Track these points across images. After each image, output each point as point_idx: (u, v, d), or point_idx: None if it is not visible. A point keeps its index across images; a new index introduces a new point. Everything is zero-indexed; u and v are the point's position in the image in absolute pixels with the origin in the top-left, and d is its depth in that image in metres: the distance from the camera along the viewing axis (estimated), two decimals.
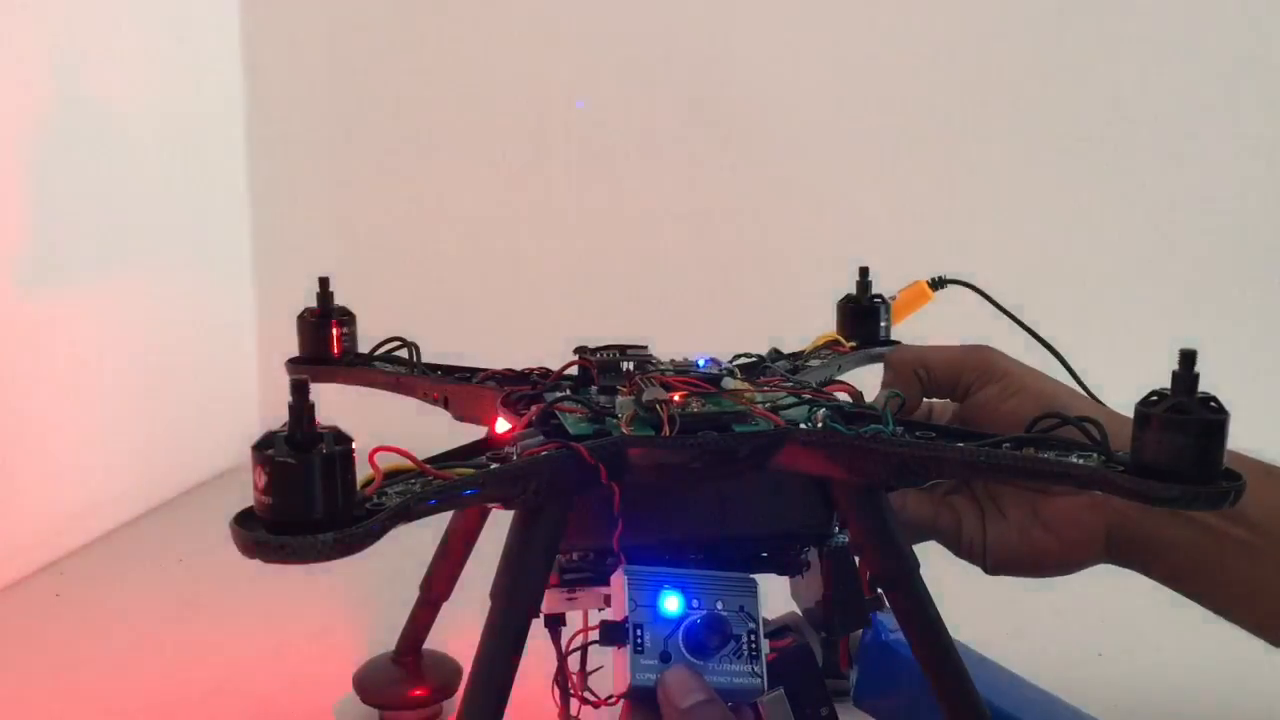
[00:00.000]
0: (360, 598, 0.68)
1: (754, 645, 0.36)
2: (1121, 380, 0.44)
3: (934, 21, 1.01)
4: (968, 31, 1.01)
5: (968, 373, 0.46)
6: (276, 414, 0.31)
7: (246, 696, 0.59)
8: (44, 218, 0.79)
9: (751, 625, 0.36)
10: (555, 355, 0.48)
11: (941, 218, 1.03)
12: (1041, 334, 0.57)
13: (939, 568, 0.45)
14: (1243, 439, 0.38)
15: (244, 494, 0.31)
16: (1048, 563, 0.45)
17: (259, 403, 1.07)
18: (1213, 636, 0.67)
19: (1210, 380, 0.33)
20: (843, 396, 0.44)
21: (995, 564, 0.46)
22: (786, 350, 0.55)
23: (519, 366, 0.50)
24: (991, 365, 0.45)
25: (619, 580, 0.36)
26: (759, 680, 0.36)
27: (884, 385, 0.48)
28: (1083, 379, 0.55)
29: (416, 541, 0.46)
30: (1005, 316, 0.58)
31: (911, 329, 0.61)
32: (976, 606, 0.48)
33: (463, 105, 1.07)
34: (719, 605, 0.36)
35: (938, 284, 0.61)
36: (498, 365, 0.51)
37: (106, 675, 0.62)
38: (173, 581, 0.77)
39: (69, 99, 0.82)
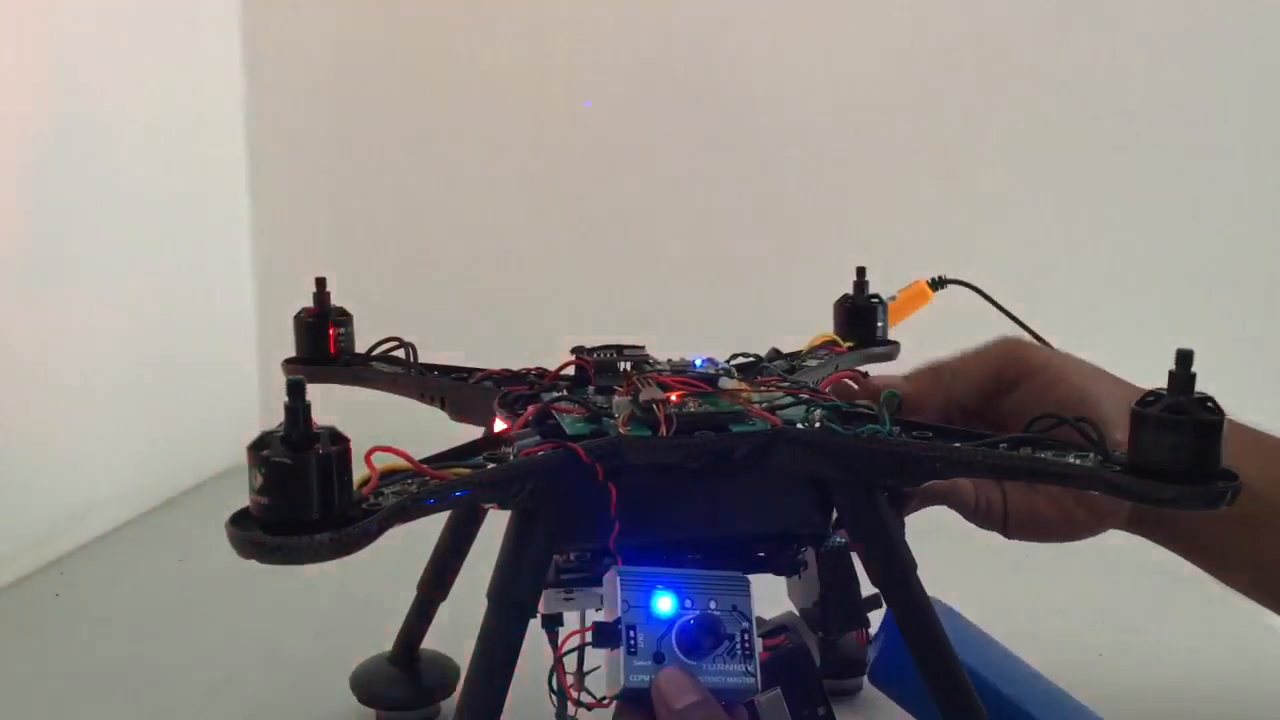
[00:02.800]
0: (357, 598, 0.68)
1: (748, 644, 0.36)
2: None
3: (934, 21, 1.01)
4: (968, 31, 1.01)
5: (1009, 369, 0.46)
6: (276, 414, 0.31)
7: (244, 697, 0.59)
8: (44, 217, 0.79)
9: (745, 624, 0.36)
10: (552, 355, 0.48)
11: (941, 218, 1.03)
12: (1041, 334, 0.57)
13: (938, 568, 0.45)
14: None
15: (244, 494, 0.31)
16: (1076, 532, 0.46)
17: (259, 403, 1.07)
18: (1213, 636, 0.67)
19: (1211, 381, 0.33)
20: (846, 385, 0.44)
21: (1017, 528, 0.46)
22: (785, 351, 0.55)
23: (516, 366, 0.50)
24: (1029, 359, 0.46)
25: (611, 581, 0.36)
26: (753, 680, 0.36)
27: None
28: None
29: (413, 542, 0.46)
30: (1005, 316, 0.58)
31: (911, 329, 0.61)
32: (976, 606, 0.48)
33: (463, 104, 1.07)
34: (712, 605, 0.36)
35: (938, 284, 0.61)
36: (495, 365, 0.51)
37: (106, 675, 0.62)
38: (173, 581, 0.77)
39: (69, 99, 0.82)
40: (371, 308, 0.59)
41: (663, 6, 1.04)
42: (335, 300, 0.55)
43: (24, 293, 0.77)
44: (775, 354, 0.54)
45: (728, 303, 1.04)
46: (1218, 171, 0.99)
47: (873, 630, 0.46)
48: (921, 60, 1.02)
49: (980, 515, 0.47)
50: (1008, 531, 0.47)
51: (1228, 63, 0.98)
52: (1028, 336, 0.52)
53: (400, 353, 0.54)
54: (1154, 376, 0.34)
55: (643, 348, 0.47)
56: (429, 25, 1.06)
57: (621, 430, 0.38)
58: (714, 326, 0.98)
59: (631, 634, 0.35)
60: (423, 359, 0.53)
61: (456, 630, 0.47)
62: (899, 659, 0.43)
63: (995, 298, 0.59)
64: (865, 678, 0.57)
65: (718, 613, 0.36)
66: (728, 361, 0.49)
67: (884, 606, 0.40)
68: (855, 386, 0.47)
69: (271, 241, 1.09)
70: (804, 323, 0.59)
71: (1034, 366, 0.46)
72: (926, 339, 0.64)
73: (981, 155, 1.02)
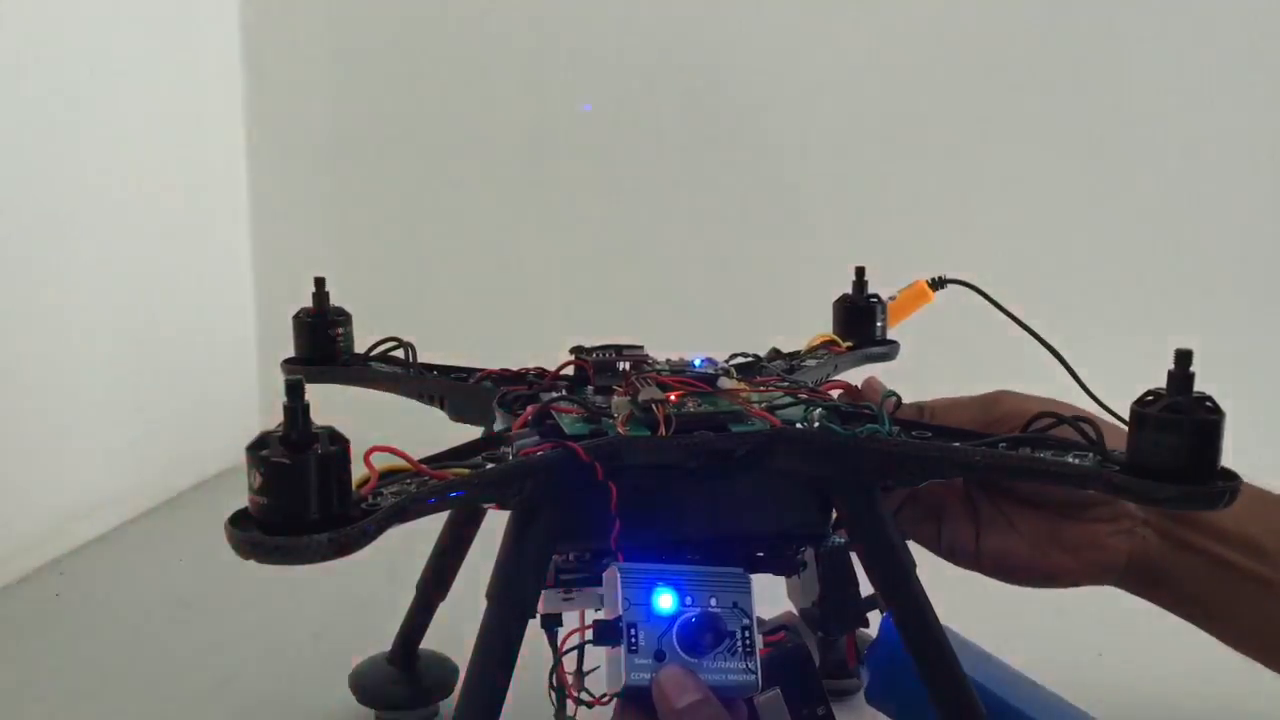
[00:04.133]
0: (356, 598, 0.68)
1: (748, 642, 0.36)
2: (1121, 380, 0.44)
3: (934, 21, 1.01)
4: (967, 31, 1.01)
5: (991, 415, 0.43)
6: (276, 414, 0.31)
7: (243, 697, 0.59)
8: (43, 217, 0.79)
9: (745, 621, 0.36)
10: (551, 355, 0.48)
11: (941, 218, 1.03)
12: (1041, 334, 0.57)
13: (937, 568, 0.45)
14: (1241, 439, 0.38)
15: (244, 494, 0.31)
16: (1059, 580, 0.44)
17: (259, 403, 1.07)
18: (1212, 636, 0.67)
19: (1211, 380, 0.33)
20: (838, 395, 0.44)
21: (994, 568, 0.45)
22: (786, 351, 0.55)
23: (515, 366, 0.50)
24: (1010, 414, 0.42)
25: (611, 578, 0.36)
26: (753, 677, 0.36)
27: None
28: (1083, 379, 0.55)
29: (413, 542, 0.46)
30: (1005, 316, 0.58)
31: (911, 329, 0.61)
32: (975, 606, 0.48)
33: (462, 106, 1.07)
34: (712, 602, 0.36)
35: (938, 284, 0.61)
36: (494, 365, 0.51)
37: (106, 675, 0.62)
38: (173, 581, 0.77)
39: (69, 99, 0.82)
40: (371, 308, 0.59)
41: (662, 8, 1.04)
42: (335, 300, 0.55)
43: (24, 293, 0.77)
44: (775, 354, 0.54)
45: (727, 303, 1.04)
46: (1219, 171, 0.99)
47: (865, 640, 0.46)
48: (923, 59, 1.02)
49: (945, 552, 0.45)
50: (985, 571, 0.45)
51: (1228, 62, 0.98)
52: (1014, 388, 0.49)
53: (399, 353, 0.54)
54: (1153, 376, 0.34)
55: (641, 348, 0.47)
56: (429, 26, 1.06)
57: (621, 430, 0.38)
58: (713, 326, 0.98)
59: (632, 632, 0.35)
60: (422, 359, 0.53)
61: (456, 630, 0.47)
62: (892, 677, 0.43)
63: (995, 298, 0.59)
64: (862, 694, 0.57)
65: (718, 610, 0.36)
66: (726, 361, 0.49)
67: (881, 607, 0.40)
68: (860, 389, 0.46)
69: (271, 241, 1.09)
70: (804, 323, 0.59)
71: (1015, 415, 0.42)
72: (926, 339, 0.64)
73: (982, 155, 1.02)
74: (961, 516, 0.45)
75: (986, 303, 0.59)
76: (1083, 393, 0.54)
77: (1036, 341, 0.57)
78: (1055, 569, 0.44)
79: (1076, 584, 0.44)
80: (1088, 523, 0.43)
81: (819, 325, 0.59)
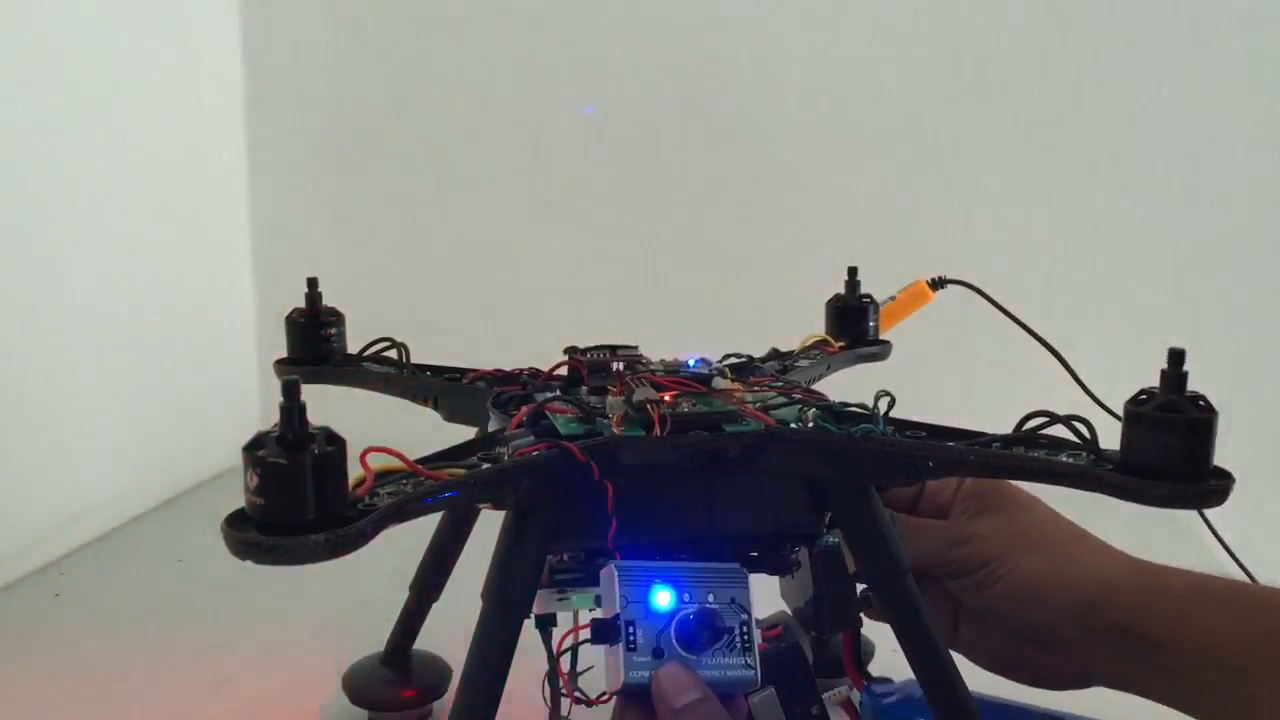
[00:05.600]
0: (356, 598, 0.68)
1: (746, 637, 0.36)
2: (1120, 380, 0.44)
3: (933, 21, 1.01)
4: (967, 31, 1.01)
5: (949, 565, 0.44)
6: (276, 415, 0.31)
7: (238, 697, 0.59)
8: (43, 218, 0.79)
9: (744, 617, 0.36)
10: (545, 356, 0.48)
11: (941, 217, 1.03)
12: (1041, 334, 0.57)
13: None
14: (1238, 438, 0.38)
15: (242, 494, 0.31)
16: (1036, 677, 0.45)
17: (259, 403, 1.07)
18: None
19: (1211, 380, 0.33)
20: None
21: (968, 652, 0.45)
22: (783, 351, 0.55)
23: (509, 367, 0.50)
24: (971, 557, 0.44)
25: (609, 576, 0.36)
26: (753, 672, 0.36)
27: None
28: (1082, 379, 0.55)
29: (407, 542, 0.46)
30: (1005, 316, 0.58)
31: (911, 329, 0.61)
32: None
33: (461, 106, 1.07)
34: (710, 598, 0.36)
35: (938, 284, 0.61)
36: (488, 366, 0.51)
37: (106, 675, 0.62)
38: (173, 581, 0.77)
39: (69, 99, 0.82)
40: (371, 308, 0.59)
41: (660, 9, 1.04)
42: (335, 301, 0.55)
43: (24, 292, 0.77)
44: (774, 354, 0.54)
45: (721, 303, 1.04)
46: (1217, 170, 0.99)
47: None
48: (922, 59, 1.01)
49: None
50: (956, 648, 0.45)
51: (1229, 60, 0.98)
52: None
53: (393, 353, 0.54)
54: (1153, 376, 0.34)
55: (636, 348, 0.47)
56: (428, 27, 1.06)
57: (616, 430, 0.38)
58: (707, 327, 0.98)
59: (630, 629, 0.35)
60: (415, 359, 0.53)
61: (450, 631, 0.47)
62: None
63: (995, 298, 0.59)
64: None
65: (716, 606, 0.36)
66: (720, 362, 0.49)
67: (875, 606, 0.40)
68: None
69: (271, 241, 1.09)
70: (798, 323, 0.59)
71: (976, 559, 0.44)
72: (926, 339, 0.64)
73: (982, 155, 1.02)
74: (944, 610, 0.45)
75: (986, 303, 0.59)
76: (1082, 392, 0.54)
77: (1036, 341, 0.57)
78: (1021, 678, 0.45)
79: (1063, 686, 0.44)
80: (1049, 653, 0.43)
81: (813, 325, 0.59)
